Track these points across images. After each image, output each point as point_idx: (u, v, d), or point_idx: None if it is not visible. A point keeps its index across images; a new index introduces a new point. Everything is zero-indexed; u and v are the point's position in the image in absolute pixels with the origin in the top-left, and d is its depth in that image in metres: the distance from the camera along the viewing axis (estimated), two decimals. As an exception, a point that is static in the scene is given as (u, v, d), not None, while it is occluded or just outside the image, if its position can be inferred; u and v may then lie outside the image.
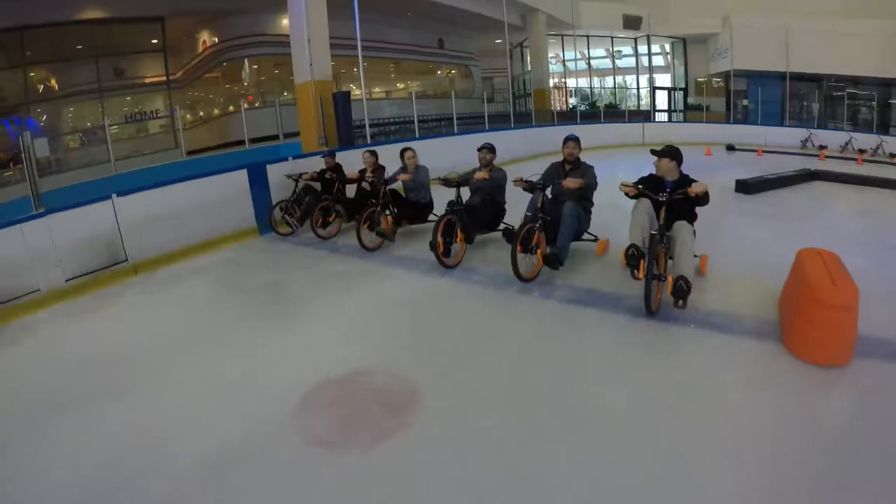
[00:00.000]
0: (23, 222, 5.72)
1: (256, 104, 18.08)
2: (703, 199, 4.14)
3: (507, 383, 3.37)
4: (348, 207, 7.52)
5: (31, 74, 15.93)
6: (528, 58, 23.02)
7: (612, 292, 4.73)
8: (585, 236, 5.73)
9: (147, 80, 17.63)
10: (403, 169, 7.08)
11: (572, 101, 26.00)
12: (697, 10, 23.21)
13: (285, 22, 12.53)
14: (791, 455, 2.58)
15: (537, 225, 5.00)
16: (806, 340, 3.37)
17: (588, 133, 17.60)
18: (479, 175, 5.86)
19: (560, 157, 5.75)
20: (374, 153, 7.46)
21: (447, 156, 11.60)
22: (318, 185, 7.99)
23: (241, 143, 12.49)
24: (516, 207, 5.77)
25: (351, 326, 4.39)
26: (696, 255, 4.61)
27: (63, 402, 3.51)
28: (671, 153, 4.49)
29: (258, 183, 8.07)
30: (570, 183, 5.18)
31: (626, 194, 4.47)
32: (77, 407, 3.44)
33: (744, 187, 9.13)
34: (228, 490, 2.58)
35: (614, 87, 27.13)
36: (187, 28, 17.93)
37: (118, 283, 6.17)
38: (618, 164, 13.96)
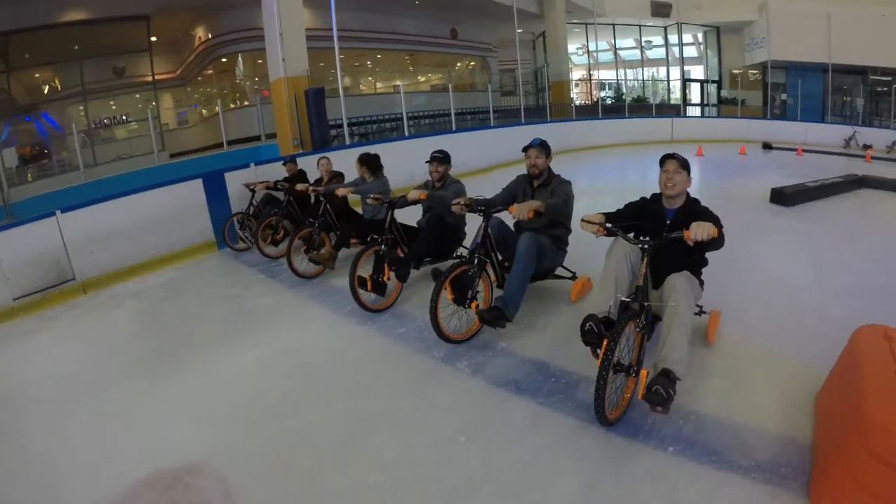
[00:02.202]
0: None
1: (242, 104, 17.36)
2: (713, 243, 2.78)
3: None
4: (297, 224, 6.43)
5: (36, 76, 15.55)
6: (546, 48, 21.34)
7: (568, 371, 3.28)
8: (562, 271, 4.36)
9: (143, 80, 16.95)
10: (362, 180, 5.84)
11: (601, 94, 24.34)
12: None
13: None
14: None
15: (475, 266, 3.66)
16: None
17: (611, 129, 16.43)
18: (412, 195, 4.54)
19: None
20: (329, 159, 6.57)
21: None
22: (281, 196, 6.93)
23: (223, 145, 11.74)
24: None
25: (224, 396, 3.52)
26: (703, 312, 3.44)
27: None
28: (682, 161, 3.17)
29: (215, 193, 7.31)
30: (520, 209, 3.62)
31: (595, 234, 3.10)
32: None
33: (780, 198, 7.49)
34: None
35: (642, 80, 25.26)
36: (182, 25, 17.25)
37: (64, 303, 5.92)
38: (642, 165, 12.47)
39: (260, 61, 16.34)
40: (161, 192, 6.94)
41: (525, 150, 4.10)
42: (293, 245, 5.58)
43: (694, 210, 3.13)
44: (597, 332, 2.75)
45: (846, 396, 2.25)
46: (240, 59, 17.34)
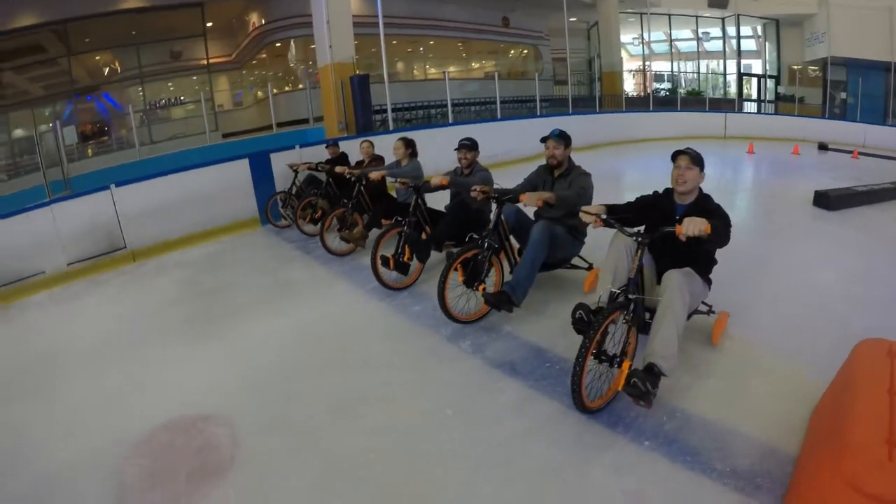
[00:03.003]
0: (29, 210, 6.02)
1: (296, 87, 17.60)
2: (714, 239, 2.66)
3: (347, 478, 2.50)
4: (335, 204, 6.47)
5: (97, 59, 16.20)
6: (599, 38, 20.65)
7: (563, 358, 3.29)
8: (578, 262, 4.34)
9: (200, 63, 17.47)
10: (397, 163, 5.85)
11: (656, 85, 23.66)
12: None
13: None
14: None
15: (485, 250, 3.71)
16: None
17: (661, 122, 15.94)
18: (435, 181, 4.58)
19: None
20: (372, 143, 6.66)
21: (488, 144, 10.48)
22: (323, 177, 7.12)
23: (277, 126, 12.03)
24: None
25: (244, 359, 3.79)
26: (712, 312, 3.35)
27: None
28: (695, 157, 3.07)
29: (261, 172, 7.60)
30: (530, 198, 3.68)
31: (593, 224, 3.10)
32: None
33: (824, 201, 7.02)
34: None
35: (697, 73, 24.45)
36: (236, 11, 17.74)
37: (114, 270, 6.32)
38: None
39: (312, 46, 16.65)
40: (209, 171, 7.28)
41: (543, 140, 4.08)
42: (328, 224, 5.77)
43: (704, 207, 3.04)
44: (586, 320, 2.79)
45: (835, 414, 2.13)
46: (292, 43, 17.59)
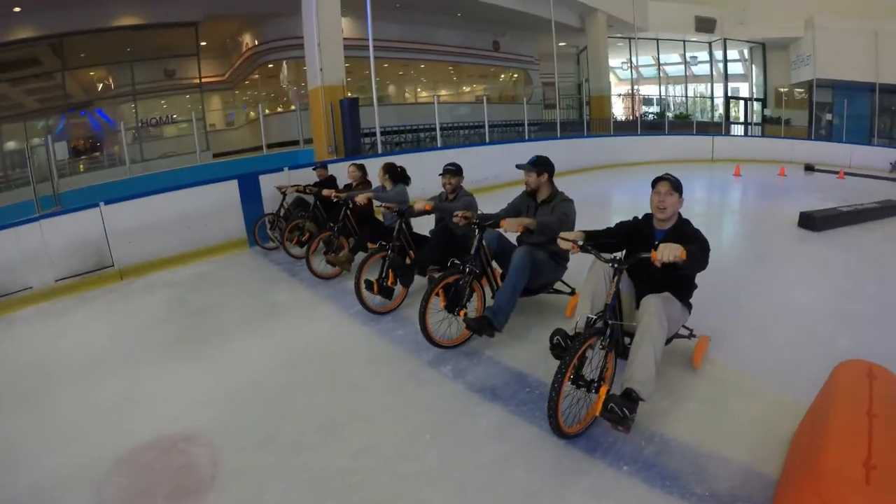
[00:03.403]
0: (18, 225, 6.00)
1: (288, 108, 17.71)
2: (690, 265, 2.65)
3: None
4: (322, 227, 6.46)
5: (91, 74, 16.31)
6: (588, 62, 20.87)
7: (544, 383, 3.23)
8: (561, 286, 4.35)
9: (193, 82, 17.58)
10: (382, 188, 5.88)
11: (645, 109, 23.92)
12: (777, 11, 20.08)
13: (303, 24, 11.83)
14: None
15: (466, 276, 3.71)
16: None
17: (649, 146, 16.09)
18: (419, 206, 4.61)
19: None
20: (359, 166, 6.60)
21: (477, 169, 10.39)
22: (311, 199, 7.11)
23: (265, 147, 12.07)
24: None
25: (228, 378, 3.81)
26: (693, 336, 3.36)
27: None
28: (675, 182, 3.08)
29: (249, 194, 7.59)
30: (510, 224, 3.70)
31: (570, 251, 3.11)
32: None
33: (809, 222, 7.10)
34: None
35: (685, 96, 24.77)
36: (231, 31, 17.90)
37: (102, 287, 6.30)
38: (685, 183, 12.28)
39: (304, 68, 16.85)
40: (199, 191, 7.26)
41: (520, 167, 4.12)
42: (314, 247, 5.77)
43: (683, 232, 3.04)
44: (563, 345, 2.79)
45: (814, 436, 2.10)
46: (284, 65, 17.74)
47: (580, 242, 2.98)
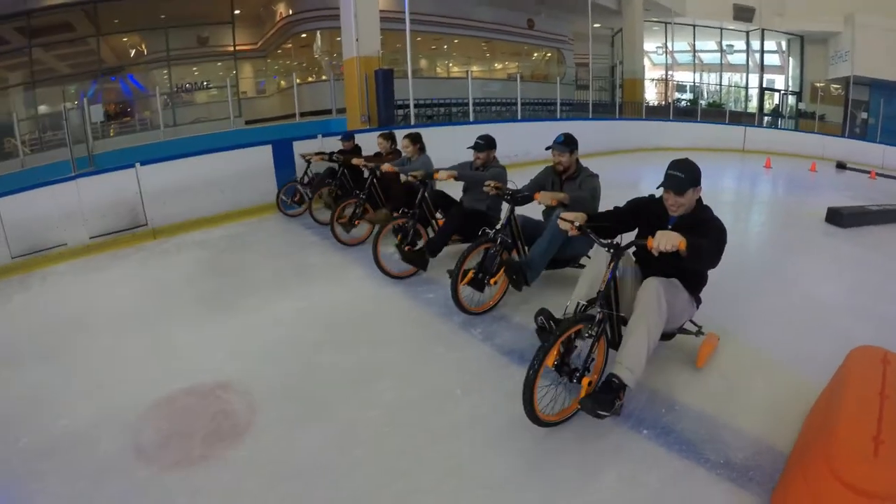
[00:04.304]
0: (54, 184, 6.19)
1: (319, 78, 17.75)
2: (691, 257, 2.43)
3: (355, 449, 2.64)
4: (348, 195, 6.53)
5: (124, 40, 16.46)
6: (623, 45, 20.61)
7: None
8: (586, 261, 4.35)
9: (226, 49, 17.67)
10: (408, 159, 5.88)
11: (677, 95, 23.55)
12: (817, 4, 19.46)
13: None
14: None
15: (497, 245, 3.81)
16: None
17: (681, 132, 15.94)
18: (443, 175, 4.61)
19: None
20: (388, 136, 6.67)
21: (508, 145, 10.59)
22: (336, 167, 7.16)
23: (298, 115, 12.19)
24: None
25: (261, 334, 3.95)
26: (701, 333, 3.22)
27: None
28: (686, 169, 2.79)
29: (283, 159, 7.79)
30: (545, 196, 3.79)
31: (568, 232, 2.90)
32: (7, 363, 3.67)
33: (836, 218, 7.05)
34: (41, 476, 2.52)
35: (720, 84, 24.33)
36: (263, 0, 17.97)
37: (135, 245, 6.48)
38: (705, 172, 12.19)
39: (338, 39, 16.81)
40: (233, 154, 7.48)
41: (549, 148, 4.16)
42: (338, 215, 5.84)
43: (698, 220, 2.81)
44: (546, 328, 2.75)
45: (826, 414, 2.22)
46: (318, 35, 17.80)
47: (577, 224, 2.81)
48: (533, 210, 4.28)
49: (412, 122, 10.68)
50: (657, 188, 2.86)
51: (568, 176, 4.17)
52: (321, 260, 5.61)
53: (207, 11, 16.64)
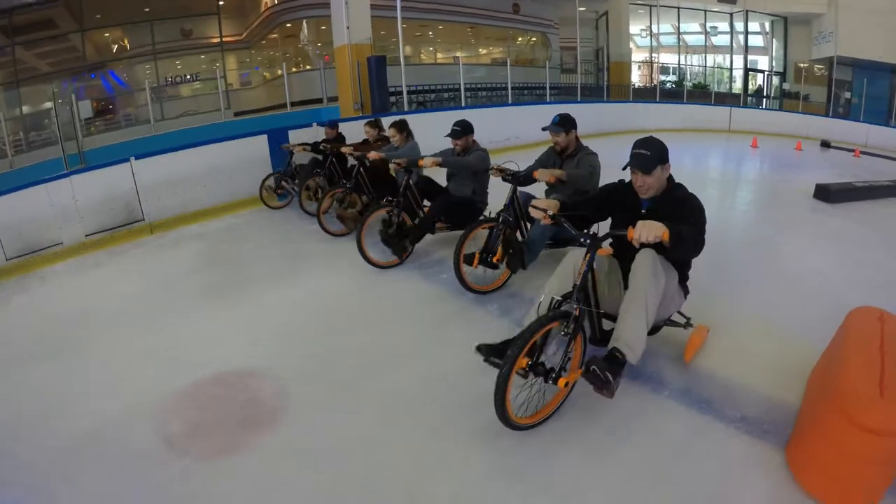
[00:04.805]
0: (48, 182, 6.11)
1: (332, 65, 17.76)
2: (675, 246, 2.32)
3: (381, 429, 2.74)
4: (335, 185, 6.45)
5: (106, 35, 16.21)
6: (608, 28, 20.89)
7: None
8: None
9: (210, 41, 17.55)
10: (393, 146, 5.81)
11: (662, 77, 23.91)
12: None
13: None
14: None
15: (500, 224, 3.92)
16: (815, 465, 2.13)
17: (668, 113, 16.27)
18: (427, 162, 4.64)
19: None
20: (374, 124, 6.65)
21: (500, 129, 10.84)
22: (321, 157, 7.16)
23: (288, 105, 12.20)
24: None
25: (273, 322, 4.02)
26: (690, 325, 3.14)
27: (8, 358, 3.75)
28: (651, 146, 2.67)
29: (278, 149, 7.76)
30: (542, 174, 3.91)
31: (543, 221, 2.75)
32: (17, 363, 3.67)
33: (824, 194, 7.31)
34: (70, 475, 2.52)
35: (704, 66, 24.58)
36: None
37: (133, 241, 6.47)
38: (694, 152, 12.22)
39: (323, 27, 16.81)
40: (228, 146, 7.49)
41: (546, 129, 4.28)
42: (327, 205, 5.86)
43: (672, 200, 2.72)
44: (495, 363, 2.52)
45: (831, 367, 2.40)
46: (304, 24, 17.72)
47: (550, 212, 2.66)
48: (538, 190, 4.43)
49: (406, 108, 10.76)
50: (622, 168, 2.75)
51: (568, 154, 4.31)
52: (326, 246, 5.65)
53: (191, 3, 16.51)
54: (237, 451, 2.59)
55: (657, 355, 3.12)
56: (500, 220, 3.97)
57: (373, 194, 5.84)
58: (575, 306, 2.45)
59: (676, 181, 2.81)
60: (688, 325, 3.14)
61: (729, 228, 6.03)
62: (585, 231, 2.62)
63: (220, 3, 16.97)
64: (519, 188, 4.19)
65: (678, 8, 22.31)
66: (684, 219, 2.48)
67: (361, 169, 5.79)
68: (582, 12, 19.06)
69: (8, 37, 13.87)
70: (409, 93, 10.96)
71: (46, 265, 5.85)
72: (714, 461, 2.34)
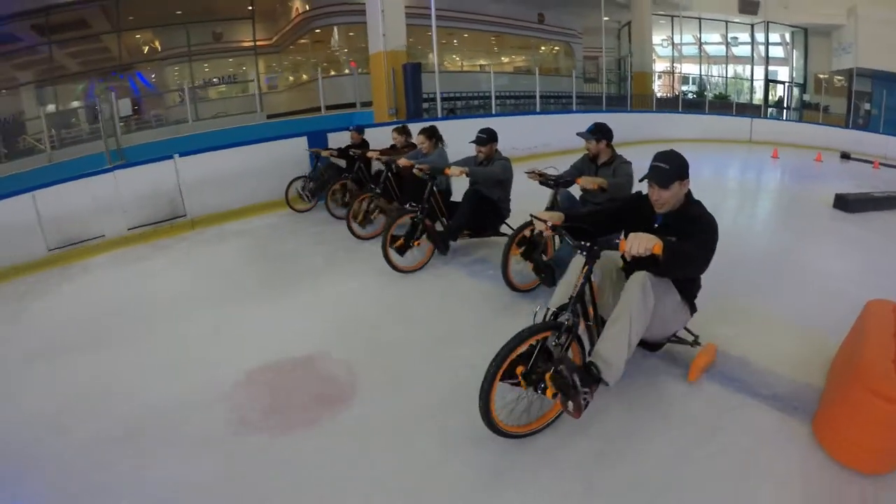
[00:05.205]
0: (92, 176, 6.41)
1: (358, 70, 18.12)
2: (668, 261, 2.30)
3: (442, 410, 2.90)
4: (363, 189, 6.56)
5: (137, 37, 16.85)
6: (630, 38, 21.24)
7: None
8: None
9: (240, 45, 18.16)
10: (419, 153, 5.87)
11: (683, 87, 24.04)
12: None
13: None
14: None
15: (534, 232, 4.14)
16: (838, 431, 2.44)
17: (690, 124, 16.57)
18: (453, 171, 4.76)
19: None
20: (401, 130, 6.79)
21: (528, 136, 11.23)
22: (342, 162, 7.47)
23: (319, 109, 12.59)
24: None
25: (329, 312, 4.24)
26: (698, 343, 3.15)
27: (61, 346, 3.89)
28: (671, 160, 2.65)
29: (308, 152, 7.99)
30: (586, 181, 4.15)
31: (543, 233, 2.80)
32: (69, 351, 3.79)
33: (843, 204, 7.56)
34: (139, 453, 2.68)
35: (726, 77, 24.71)
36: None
37: (175, 236, 6.72)
38: (716, 162, 12.60)
39: (351, 34, 17.31)
40: (269, 146, 7.80)
41: (579, 135, 4.54)
42: (356, 210, 5.96)
43: (684, 217, 2.67)
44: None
45: (852, 351, 2.73)
46: (335, 30, 18.31)
47: (550, 223, 2.68)
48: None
49: (439, 115, 11.20)
50: (639, 180, 2.79)
51: (603, 163, 4.54)
52: (371, 244, 5.79)
53: (222, 7, 17.05)
54: (314, 426, 2.78)
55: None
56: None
57: (400, 199, 5.88)
58: (568, 317, 2.46)
59: (695, 197, 2.80)
60: (696, 342, 3.14)
61: (752, 235, 6.36)
62: (583, 243, 2.55)
63: (249, 7, 17.52)
64: (560, 189, 4.45)
65: (699, 18, 22.59)
66: (694, 237, 2.48)
67: (389, 174, 5.90)
68: (605, 22, 19.38)
69: (43, 35, 14.41)
70: (441, 99, 11.33)
71: (88, 257, 6.09)
72: (758, 431, 2.67)
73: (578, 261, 2.69)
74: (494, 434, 2.50)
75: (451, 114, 14.27)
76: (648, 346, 2.94)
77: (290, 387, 3.16)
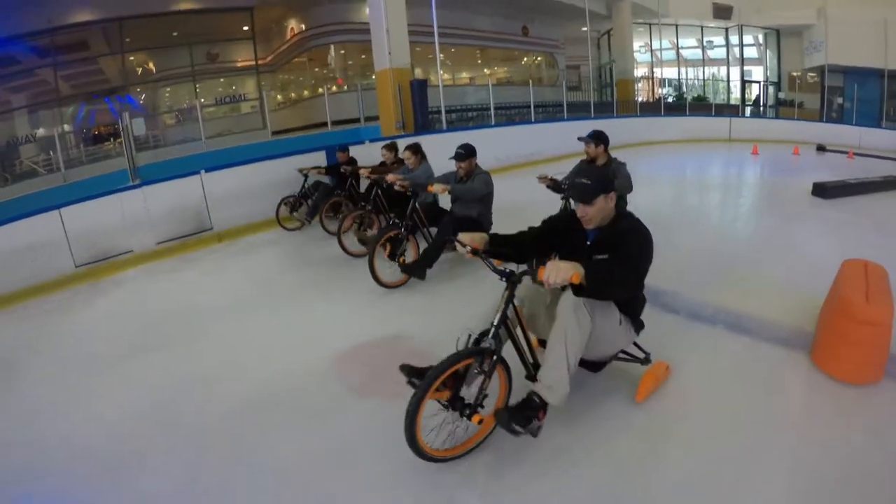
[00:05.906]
0: (121, 192, 6.68)
1: (344, 88, 18.88)
2: (592, 288, 2.28)
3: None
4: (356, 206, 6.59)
5: (131, 59, 17.33)
6: (612, 47, 22.35)
7: (662, 290, 4.23)
8: None
9: (238, 65, 18.80)
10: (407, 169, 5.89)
11: (662, 91, 25.05)
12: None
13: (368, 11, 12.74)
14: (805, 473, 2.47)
15: None
16: (830, 354, 3.18)
17: (672, 126, 17.56)
18: (435, 188, 4.84)
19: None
20: (391, 147, 6.92)
21: (524, 144, 11.99)
22: (328, 180, 7.69)
23: (325, 124, 13.14)
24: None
25: (381, 306, 4.51)
26: (648, 361, 3.08)
27: (123, 352, 4.12)
28: (594, 175, 2.67)
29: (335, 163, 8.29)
30: None
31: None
32: (132, 357, 4.01)
33: (821, 191, 8.38)
34: (269, 421, 3.04)
35: (703, 79, 25.75)
36: (276, 16, 19.06)
37: (204, 249, 6.99)
38: (699, 160, 13.40)
39: (343, 52, 17.90)
40: (288, 161, 8.12)
41: (580, 139, 4.96)
42: (348, 225, 6.04)
43: (615, 233, 2.62)
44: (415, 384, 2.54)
45: (834, 297, 3.45)
46: (332, 49, 19.05)
47: (469, 248, 2.60)
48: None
49: (444, 127, 11.95)
50: (561, 198, 2.95)
51: (601, 165, 4.91)
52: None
53: (218, 28, 17.71)
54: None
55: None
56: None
57: (390, 215, 5.74)
58: (490, 343, 2.47)
59: (629, 210, 2.85)
60: (646, 360, 3.06)
61: (739, 220, 7.19)
62: (503, 269, 2.53)
63: (244, 27, 18.18)
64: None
65: (676, 25, 23.80)
66: (621, 253, 2.49)
67: (379, 191, 5.94)
68: (585, 32, 20.32)
69: (46, 56, 14.89)
70: (437, 113, 11.97)
71: (117, 272, 6.23)
72: (767, 363, 3.38)
73: (502, 285, 2.59)
74: (421, 458, 2.49)
75: (450, 126, 14.96)
76: (590, 365, 2.89)
77: (383, 360, 3.47)
